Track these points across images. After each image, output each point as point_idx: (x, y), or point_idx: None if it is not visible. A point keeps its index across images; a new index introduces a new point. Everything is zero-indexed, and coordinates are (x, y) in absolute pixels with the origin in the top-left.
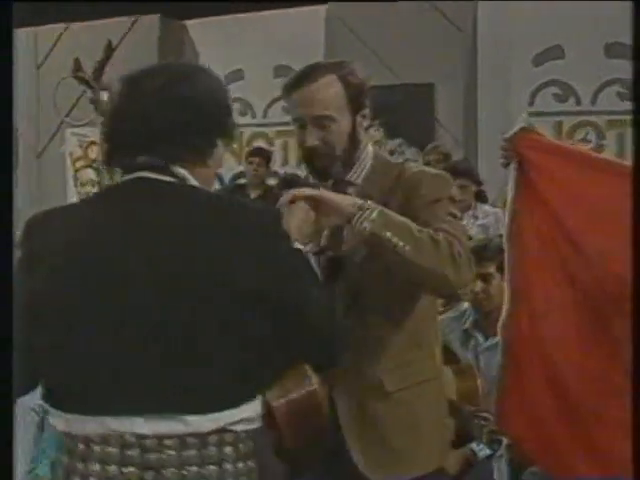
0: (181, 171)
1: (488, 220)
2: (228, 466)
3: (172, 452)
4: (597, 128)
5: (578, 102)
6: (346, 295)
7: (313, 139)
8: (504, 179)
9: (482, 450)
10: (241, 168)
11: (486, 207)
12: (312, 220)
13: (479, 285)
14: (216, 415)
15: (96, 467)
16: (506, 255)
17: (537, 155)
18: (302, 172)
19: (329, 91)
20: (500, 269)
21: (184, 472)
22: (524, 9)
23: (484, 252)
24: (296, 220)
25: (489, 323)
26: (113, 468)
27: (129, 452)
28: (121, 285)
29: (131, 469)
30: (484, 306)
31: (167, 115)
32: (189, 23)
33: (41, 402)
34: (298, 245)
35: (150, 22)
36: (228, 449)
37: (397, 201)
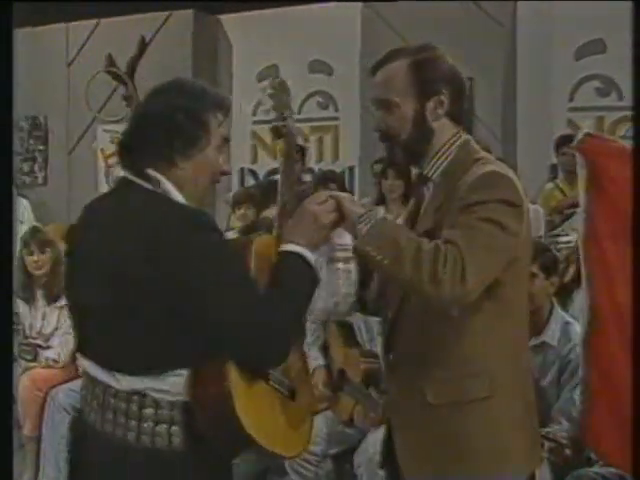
0: (153, 173)
1: None
2: (146, 425)
3: (111, 399)
4: None
5: (620, 97)
6: (395, 301)
7: (378, 122)
8: (543, 175)
9: None
10: (276, 164)
11: None
12: (321, 227)
13: None
14: (130, 378)
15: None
16: (582, 264)
17: (605, 160)
18: (337, 168)
19: (394, 75)
20: (544, 269)
21: (116, 419)
22: (565, 2)
23: None
24: (300, 227)
25: (531, 323)
26: (86, 395)
27: (95, 390)
28: (90, 270)
29: (94, 402)
30: None
31: (138, 128)
32: (223, 18)
33: (71, 402)
34: (299, 250)
35: (184, 17)
36: (148, 410)
37: (453, 203)
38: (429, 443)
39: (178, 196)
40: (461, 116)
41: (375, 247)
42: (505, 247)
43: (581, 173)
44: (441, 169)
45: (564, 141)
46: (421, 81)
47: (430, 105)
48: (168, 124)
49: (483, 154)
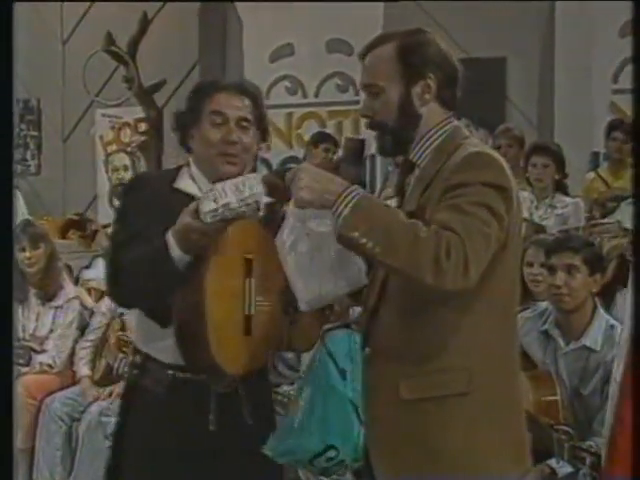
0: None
1: (567, 210)
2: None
3: None
4: None
5: None
6: (375, 290)
7: (364, 108)
8: (584, 165)
9: (562, 467)
10: (290, 152)
11: (564, 197)
12: None
13: (561, 277)
14: None
15: None
16: None
17: None
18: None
19: (380, 60)
20: (587, 263)
21: None
22: None
23: (567, 242)
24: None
25: (571, 324)
26: None
27: None
28: None
29: None
30: (567, 303)
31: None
32: None
33: (68, 411)
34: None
35: None
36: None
37: (437, 184)
38: (401, 440)
39: (193, 167)
40: (453, 102)
41: (362, 233)
42: (497, 234)
43: None
44: (427, 155)
45: (617, 125)
46: (407, 65)
47: (417, 90)
48: (175, 117)
49: (471, 139)
